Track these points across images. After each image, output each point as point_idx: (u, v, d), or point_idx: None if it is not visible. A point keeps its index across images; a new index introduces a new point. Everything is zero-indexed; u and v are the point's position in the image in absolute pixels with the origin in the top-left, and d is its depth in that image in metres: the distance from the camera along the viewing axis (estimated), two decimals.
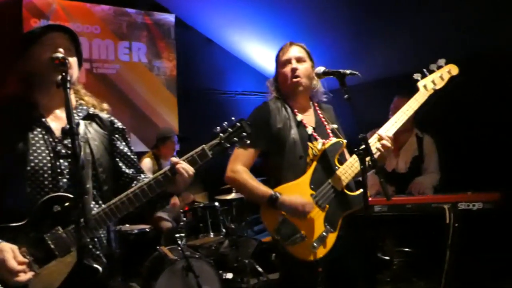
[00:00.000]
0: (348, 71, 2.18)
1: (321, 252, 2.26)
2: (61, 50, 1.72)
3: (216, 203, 4.73)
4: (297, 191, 2.30)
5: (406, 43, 4.90)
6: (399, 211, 3.58)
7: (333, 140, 2.43)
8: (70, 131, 1.50)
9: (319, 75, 2.32)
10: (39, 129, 1.77)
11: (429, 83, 2.50)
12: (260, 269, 4.97)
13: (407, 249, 4.10)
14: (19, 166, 1.68)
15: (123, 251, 4.04)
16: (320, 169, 2.34)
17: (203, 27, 6.58)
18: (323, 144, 2.39)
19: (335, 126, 2.51)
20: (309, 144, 2.40)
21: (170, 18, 6.29)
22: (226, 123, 1.84)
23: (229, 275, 4.92)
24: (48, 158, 1.73)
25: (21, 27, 5.25)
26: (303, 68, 2.49)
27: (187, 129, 5.97)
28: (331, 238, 2.30)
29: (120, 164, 1.96)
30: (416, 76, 2.52)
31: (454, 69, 2.57)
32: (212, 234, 4.52)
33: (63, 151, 1.77)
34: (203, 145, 1.79)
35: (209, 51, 6.70)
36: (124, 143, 1.99)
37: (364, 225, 2.58)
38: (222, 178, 5.26)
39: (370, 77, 5.19)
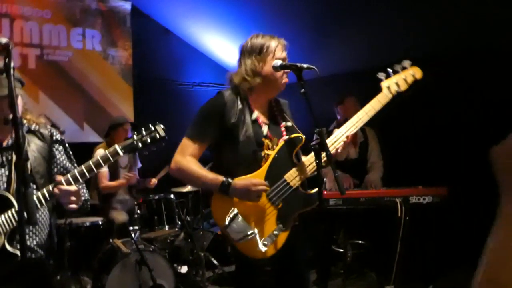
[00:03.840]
0: (305, 65, 2.16)
1: (271, 251, 2.19)
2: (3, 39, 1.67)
3: (172, 195, 4.67)
4: None
5: (361, 40, 5.01)
6: (353, 204, 3.68)
7: (293, 135, 2.33)
8: (14, 121, 1.46)
9: (276, 68, 2.30)
10: None
11: (393, 85, 2.43)
12: (215, 262, 4.96)
13: (360, 242, 4.22)
14: None
15: (74, 244, 3.94)
16: (276, 165, 2.25)
17: (160, 16, 6.45)
18: (278, 140, 2.33)
19: (289, 123, 2.40)
20: (264, 140, 2.31)
21: (126, 5, 6.11)
22: (143, 128, 2.08)
23: (184, 268, 4.89)
24: None
25: None
26: None
27: (143, 120, 5.84)
28: (282, 237, 2.23)
29: (55, 172, 2.19)
30: (381, 75, 2.45)
31: (418, 73, 2.50)
32: (167, 227, 4.46)
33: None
34: (116, 145, 2.03)
35: (166, 41, 6.58)
36: (62, 153, 2.24)
37: (319, 218, 2.61)
38: None
39: (326, 72, 5.26)
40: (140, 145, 2.04)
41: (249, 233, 2.13)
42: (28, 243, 2.02)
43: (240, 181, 2.17)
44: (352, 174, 4.30)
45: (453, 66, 4.42)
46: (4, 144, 2.08)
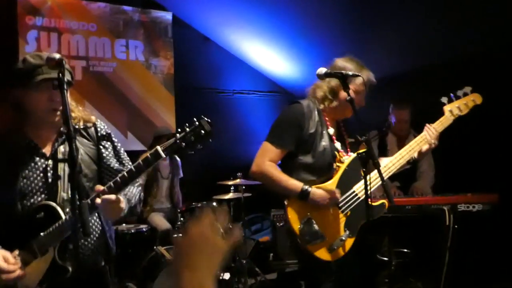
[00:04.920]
0: (350, 73, 2.16)
1: (338, 254, 2.38)
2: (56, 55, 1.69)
3: (214, 203, 4.70)
4: None
5: (400, 44, 4.91)
6: (399, 212, 3.58)
7: (362, 150, 2.48)
8: (68, 135, 1.48)
9: (320, 76, 2.28)
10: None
11: (455, 109, 2.68)
12: (257, 269, 4.94)
13: (405, 250, 4.10)
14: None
15: (119, 251, 4.02)
16: (346, 177, 2.45)
17: (200, 25, 6.54)
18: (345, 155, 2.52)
19: (353, 140, 2.60)
20: (336, 153, 2.50)
21: (167, 16, 6.24)
22: (187, 124, 1.87)
23: (227, 276, 4.89)
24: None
25: (16, 23, 5.21)
26: None
27: None
28: (349, 243, 2.41)
29: (103, 175, 2.06)
30: (444, 99, 2.69)
31: (478, 98, 2.72)
32: None
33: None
34: (157, 146, 1.86)
35: (206, 50, 6.65)
36: (110, 149, 2.09)
37: (365, 226, 2.58)
38: (219, 177, 5.25)
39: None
40: (183, 144, 1.82)
41: (320, 236, 2.35)
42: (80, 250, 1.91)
43: (319, 189, 2.38)
44: (401, 183, 4.16)
45: (498, 66, 4.25)
46: (44, 150, 1.95)
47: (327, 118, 2.53)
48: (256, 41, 6.35)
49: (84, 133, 2.03)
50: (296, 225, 2.36)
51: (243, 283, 4.59)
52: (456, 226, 3.45)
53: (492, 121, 4.33)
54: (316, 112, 2.49)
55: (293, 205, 2.40)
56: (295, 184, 2.38)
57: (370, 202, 2.37)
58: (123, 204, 1.87)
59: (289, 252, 4.95)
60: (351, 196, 2.45)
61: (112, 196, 1.79)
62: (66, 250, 1.84)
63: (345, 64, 2.48)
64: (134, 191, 2.07)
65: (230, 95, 6.87)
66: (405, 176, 4.13)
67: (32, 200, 1.88)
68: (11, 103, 1.91)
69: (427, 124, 2.68)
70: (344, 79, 2.15)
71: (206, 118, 1.87)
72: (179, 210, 4.48)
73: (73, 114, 1.97)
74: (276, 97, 7.27)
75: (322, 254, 2.37)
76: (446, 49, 4.57)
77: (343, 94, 2.38)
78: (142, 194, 2.14)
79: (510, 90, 4.11)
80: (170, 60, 6.23)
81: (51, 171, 1.92)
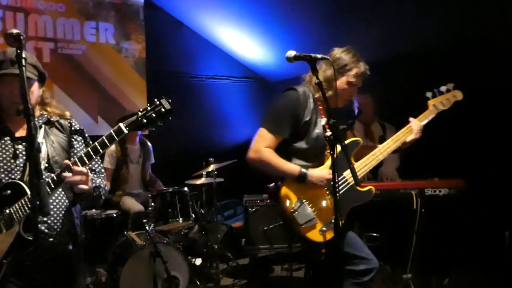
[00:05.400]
0: (319, 56, 2.17)
1: (329, 235, 2.52)
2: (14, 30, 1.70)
3: (185, 188, 4.67)
4: None
5: (379, 32, 4.92)
6: None
7: (352, 139, 2.69)
8: (25, 112, 1.46)
9: (290, 59, 2.28)
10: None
11: (439, 104, 2.87)
12: (229, 255, 4.97)
13: (374, 234, 4.17)
14: None
15: (89, 236, 3.98)
16: (337, 163, 2.50)
17: (173, 9, 6.44)
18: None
19: (345, 127, 2.75)
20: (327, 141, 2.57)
21: None
22: (148, 103, 2.02)
23: (198, 261, 4.90)
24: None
25: None
26: None
27: None
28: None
29: None
30: (428, 94, 2.88)
31: (459, 95, 2.91)
32: (181, 220, 4.46)
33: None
34: (120, 123, 1.97)
35: (179, 34, 6.57)
36: (81, 143, 2.24)
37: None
38: (192, 162, 5.22)
39: None
40: (145, 120, 1.96)
41: (312, 219, 2.49)
42: (43, 228, 2.02)
43: (316, 171, 2.54)
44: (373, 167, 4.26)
45: (471, 56, 4.32)
46: (17, 134, 2.10)
47: (321, 107, 2.62)
48: (230, 26, 6.30)
49: (58, 126, 2.20)
50: (290, 207, 2.50)
51: (215, 268, 4.61)
52: (423, 210, 3.53)
53: (461, 106, 4.41)
54: (311, 100, 2.59)
55: (287, 187, 2.54)
56: (293, 167, 2.52)
57: (359, 188, 2.60)
58: (90, 180, 2.01)
59: (261, 237, 5.00)
60: (341, 182, 2.59)
61: (83, 169, 1.93)
62: (29, 224, 1.92)
63: (340, 54, 2.62)
64: (98, 181, 2.20)
65: (203, 80, 6.81)
66: None
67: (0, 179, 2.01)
68: None
69: (411, 118, 2.84)
70: (313, 63, 2.14)
71: (166, 99, 2.01)
72: (149, 195, 4.44)
73: (48, 109, 2.19)
74: (249, 83, 7.26)
75: (314, 235, 2.51)
76: (428, 37, 4.59)
77: (338, 83, 2.53)
78: (107, 187, 2.33)
79: (480, 79, 4.19)
80: (142, 44, 6.13)
81: (19, 152, 2.06)
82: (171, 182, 4.94)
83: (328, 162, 2.58)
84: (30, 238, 1.92)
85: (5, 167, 2.03)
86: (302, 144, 2.57)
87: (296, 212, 2.49)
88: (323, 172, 2.54)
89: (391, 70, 4.68)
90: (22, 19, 5.25)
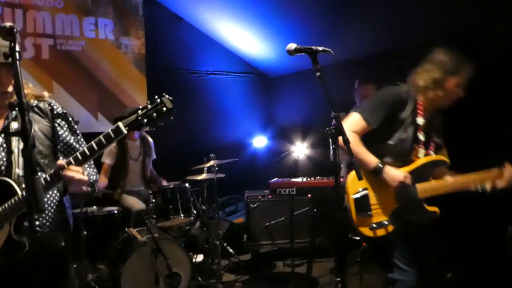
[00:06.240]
0: (320, 48, 2.11)
1: (378, 233, 2.54)
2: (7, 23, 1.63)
3: (187, 184, 4.65)
4: None
5: (377, 24, 4.89)
6: None
7: (440, 157, 2.66)
8: (20, 107, 1.42)
9: (290, 52, 2.24)
10: None
11: None
12: (231, 251, 4.95)
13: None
14: None
15: (90, 233, 3.96)
16: (416, 173, 2.56)
17: (172, 4, 6.39)
18: (427, 155, 2.63)
19: (439, 141, 2.72)
20: (416, 146, 2.60)
21: None
22: (149, 101, 1.86)
23: (200, 257, 4.89)
24: None
25: None
26: None
27: None
28: (389, 229, 2.55)
29: (59, 152, 2.05)
30: None
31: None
32: (182, 216, 4.45)
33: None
34: (119, 122, 1.83)
35: (178, 29, 6.53)
36: (65, 128, 2.07)
37: (336, 206, 2.63)
38: (192, 158, 5.18)
39: (342, 57, 5.17)
40: (145, 120, 1.81)
41: (368, 211, 2.53)
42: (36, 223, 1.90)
43: (392, 169, 2.52)
44: None
45: (468, 50, 4.28)
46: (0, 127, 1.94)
47: (421, 109, 2.60)
48: (230, 21, 6.26)
49: (37, 110, 2.01)
50: (352, 194, 2.54)
51: (217, 264, 4.59)
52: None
53: (461, 104, 4.38)
54: (412, 101, 2.58)
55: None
56: (372, 159, 2.52)
57: (425, 204, 2.56)
58: (86, 177, 1.88)
59: (263, 233, 4.99)
60: (412, 192, 2.56)
61: (80, 168, 1.82)
62: (23, 225, 1.83)
63: (442, 57, 2.56)
64: (90, 170, 2.08)
65: (203, 76, 6.78)
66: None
67: None
68: None
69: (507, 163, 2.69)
70: (314, 55, 2.10)
71: (168, 96, 1.86)
72: (150, 192, 4.41)
73: (25, 91, 1.94)
74: (250, 78, 7.22)
75: (363, 227, 2.54)
76: (420, 31, 4.57)
77: (449, 83, 2.52)
78: (97, 176, 2.16)
79: (480, 74, 4.16)
80: (141, 40, 6.09)
81: (4, 147, 1.91)
82: (172, 178, 4.93)
83: (411, 167, 2.58)
84: (22, 241, 1.82)
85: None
86: (389, 141, 2.57)
87: (357, 199, 2.52)
88: (399, 173, 2.51)
89: (397, 62, 4.67)
90: (20, 15, 5.22)
